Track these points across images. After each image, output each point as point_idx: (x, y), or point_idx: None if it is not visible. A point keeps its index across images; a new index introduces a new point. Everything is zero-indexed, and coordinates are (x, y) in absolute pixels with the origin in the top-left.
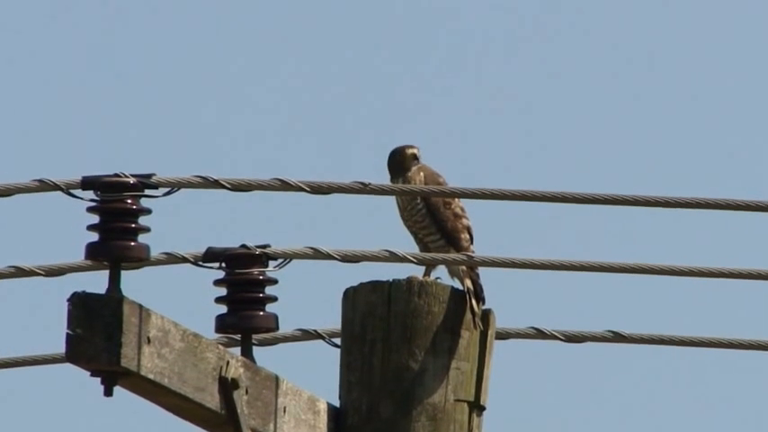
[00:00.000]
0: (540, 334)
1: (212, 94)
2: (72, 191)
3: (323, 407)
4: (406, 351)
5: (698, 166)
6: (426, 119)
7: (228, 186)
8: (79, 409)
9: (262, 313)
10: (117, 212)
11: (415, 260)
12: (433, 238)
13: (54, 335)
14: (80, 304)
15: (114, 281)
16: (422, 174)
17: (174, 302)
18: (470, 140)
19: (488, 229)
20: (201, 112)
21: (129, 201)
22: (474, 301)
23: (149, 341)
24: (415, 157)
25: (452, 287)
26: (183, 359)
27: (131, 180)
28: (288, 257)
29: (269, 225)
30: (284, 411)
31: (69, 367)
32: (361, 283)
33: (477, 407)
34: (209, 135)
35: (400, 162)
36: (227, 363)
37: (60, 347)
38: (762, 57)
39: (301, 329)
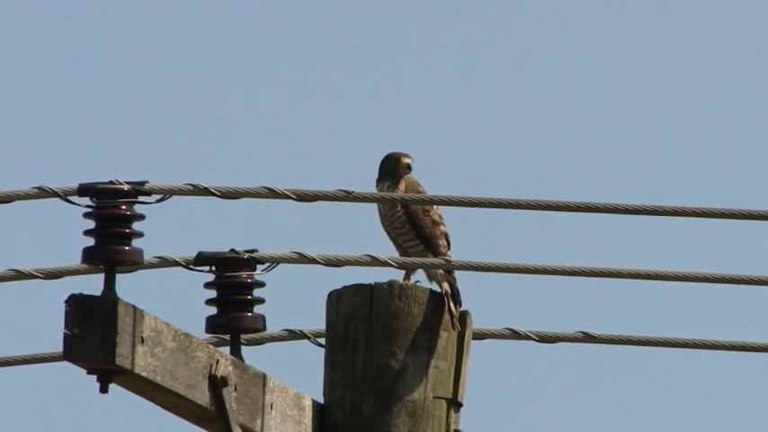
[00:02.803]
0: (514, 334)
1: (203, 107)
2: (69, 197)
3: (308, 403)
4: (387, 351)
5: (666, 173)
6: (408, 128)
7: (218, 194)
8: (76, 405)
9: (250, 314)
10: (112, 218)
11: (395, 264)
12: (412, 244)
13: (52, 335)
14: (77, 305)
15: (109, 283)
16: (403, 183)
17: (167, 304)
18: (450, 150)
19: (465, 235)
20: (193, 122)
21: (124, 207)
22: (452, 304)
23: (143, 341)
24: (408, 168)
25: (431, 290)
26: (175, 358)
27: (126, 187)
28: (275, 261)
29: (257, 231)
30: (271, 408)
31: (67, 366)
32: (345, 286)
33: (454, 404)
34: (201, 145)
35: (394, 167)
36: (217, 361)
37: (58, 347)
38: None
39: (287, 330)
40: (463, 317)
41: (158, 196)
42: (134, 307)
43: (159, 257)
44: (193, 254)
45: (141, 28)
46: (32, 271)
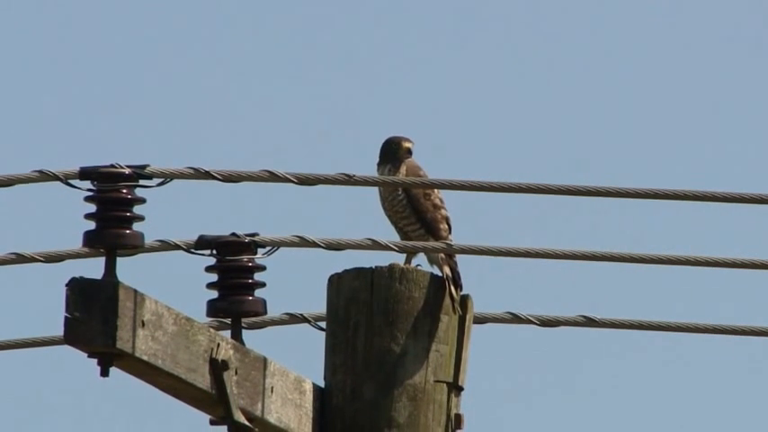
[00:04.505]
0: (515, 318)
1: (204, 91)
2: (70, 181)
3: (309, 387)
4: (387, 334)
5: (665, 157)
6: (409, 112)
7: (219, 177)
8: (77, 388)
9: (251, 298)
10: (113, 202)
11: (396, 248)
12: (413, 228)
13: (53, 318)
14: (78, 289)
15: (110, 267)
16: (404, 167)
17: (168, 288)
18: (451, 133)
19: (466, 219)
20: (194, 106)
21: (125, 191)
22: (452, 287)
23: (144, 324)
24: (409, 152)
25: (432, 274)
26: (176, 342)
27: (127, 171)
28: (276, 245)
29: (258, 214)
30: (272, 391)
31: (67, 349)
32: (346, 270)
33: (455, 387)
34: (202, 128)
35: (395, 151)
36: (218, 345)
37: (59, 330)
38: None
39: (288, 313)
40: (464, 301)
41: (159, 180)
42: (135, 290)
43: (160, 241)
44: (194, 237)
45: (143, 12)
46: (33, 254)
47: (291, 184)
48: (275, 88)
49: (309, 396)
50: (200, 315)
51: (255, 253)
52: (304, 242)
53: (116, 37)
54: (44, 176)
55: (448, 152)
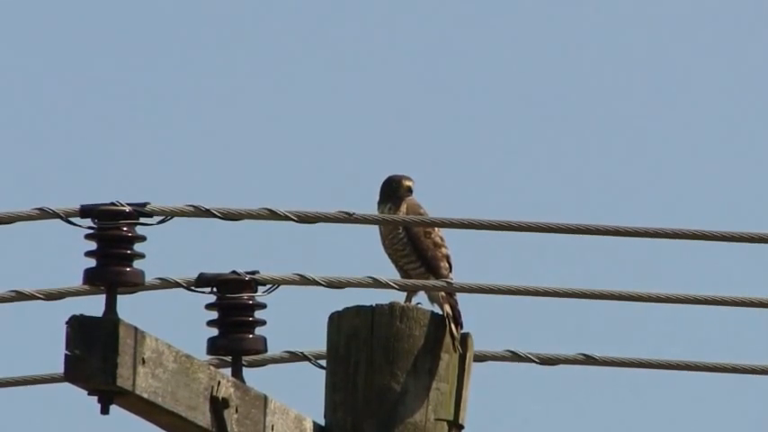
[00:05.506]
0: (515, 357)
1: (204, 129)
2: (71, 219)
3: (309, 425)
4: (388, 372)
5: (665, 193)
6: (410, 150)
7: (219, 215)
8: (77, 426)
9: (251, 336)
10: (113, 239)
11: (396, 286)
12: (413, 266)
13: (53, 356)
14: (78, 327)
15: (110, 304)
16: (404, 205)
17: (168, 325)
18: (451, 172)
19: (467, 257)
20: (194, 144)
21: (125, 228)
22: (453, 326)
23: (144, 362)
24: (409, 190)
25: (432, 312)
26: (177, 379)
27: (127, 209)
28: (276, 283)
29: (258, 252)
30: (272, 429)
31: (68, 387)
32: (346, 308)
33: (456, 426)
34: (202, 166)
35: (395, 190)
36: (218, 383)
37: (59, 368)
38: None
39: (289, 351)
40: (464, 339)
41: (160, 218)
42: (135, 328)
43: (160, 279)
44: (195, 275)
45: (143, 50)
46: (34, 292)
47: (291, 222)
48: (275, 126)
49: None
50: (201, 353)
51: (256, 291)
52: (304, 280)
53: (115, 74)
54: (44, 214)
55: (448, 190)
